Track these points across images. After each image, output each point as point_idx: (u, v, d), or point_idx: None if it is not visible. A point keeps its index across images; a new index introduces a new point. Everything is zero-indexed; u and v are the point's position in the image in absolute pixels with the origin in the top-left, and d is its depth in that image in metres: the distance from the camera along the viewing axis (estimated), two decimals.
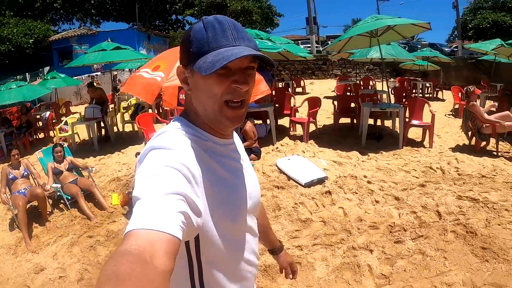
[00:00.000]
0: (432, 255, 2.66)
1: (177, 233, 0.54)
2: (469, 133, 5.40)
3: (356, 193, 3.78)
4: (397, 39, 6.81)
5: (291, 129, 6.68)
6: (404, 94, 8.79)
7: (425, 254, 2.68)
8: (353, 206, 3.53)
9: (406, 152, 5.15)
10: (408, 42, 21.11)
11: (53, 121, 8.98)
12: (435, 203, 3.42)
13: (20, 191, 3.99)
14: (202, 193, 0.69)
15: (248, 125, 4.83)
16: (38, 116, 9.16)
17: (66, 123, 7.50)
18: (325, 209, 3.53)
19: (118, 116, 8.59)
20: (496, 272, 2.40)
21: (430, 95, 11.45)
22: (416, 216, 3.23)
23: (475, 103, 5.19)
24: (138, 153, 5.67)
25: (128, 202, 4.05)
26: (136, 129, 7.35)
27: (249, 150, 4.74)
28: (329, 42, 24.43)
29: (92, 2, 23.06)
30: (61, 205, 4.27)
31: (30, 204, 4.07)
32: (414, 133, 6.02)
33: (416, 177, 4.16)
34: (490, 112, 5.30)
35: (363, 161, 4.81)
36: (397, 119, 5.68)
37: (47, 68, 17.51)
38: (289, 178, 4.22)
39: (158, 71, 3.16)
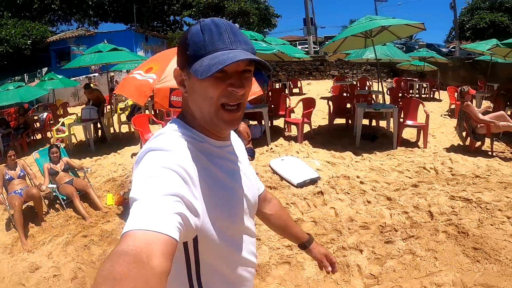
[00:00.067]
0: (422, 255, 2.66)
1: (174, 234, 0.54)
2: (464, 133, 5.41)
3: (348, 193, 3.79)
4: (392, 39, 6.83)
5: (286, 130, 6.68)
6: (400, 95, 8.78)
7: (415, 254, 2.68)
8: (345, 206, 3.54)
9: (400, 152, 5.16)
10: (406, 43, 21.15)
11: (51, 122, 8.98)
12: (428, 203, 3.41)
13: (17, 192, 4.02)
14: (199, 194, 0.69)
15: (242, 126, 4.84)
16: (35, 117, 9.17)
17: (63, 124, 7.52)
18: (316, 209, 3.54)
19: (115, 117, 8.61)
20: (487, 273, 2.40)
21: (427, 96, 11.46)
22: (408, 216, 3.23)
23: (469, 103, 5.18)
24: (134, 154, 5.69)
25: (123, 203, 4.08)
26: (132, 130, 7.36)
27: None
28: (327, 42, 24.40)
29: (90, 3, 23.00)
30: (56, 205, 4.30)
31: (26, 204, 4.10)
32: (409, 134, 6.03)
33: (409, 178, 4.16)
34: (486, 113, 5.30)
35: (356, 162, 4.82)
36: (392, 119, 5.71)
37: (45, 69, 17.44)
38: (281, 178, 4.23)
39: (150, 73, 3.19)
